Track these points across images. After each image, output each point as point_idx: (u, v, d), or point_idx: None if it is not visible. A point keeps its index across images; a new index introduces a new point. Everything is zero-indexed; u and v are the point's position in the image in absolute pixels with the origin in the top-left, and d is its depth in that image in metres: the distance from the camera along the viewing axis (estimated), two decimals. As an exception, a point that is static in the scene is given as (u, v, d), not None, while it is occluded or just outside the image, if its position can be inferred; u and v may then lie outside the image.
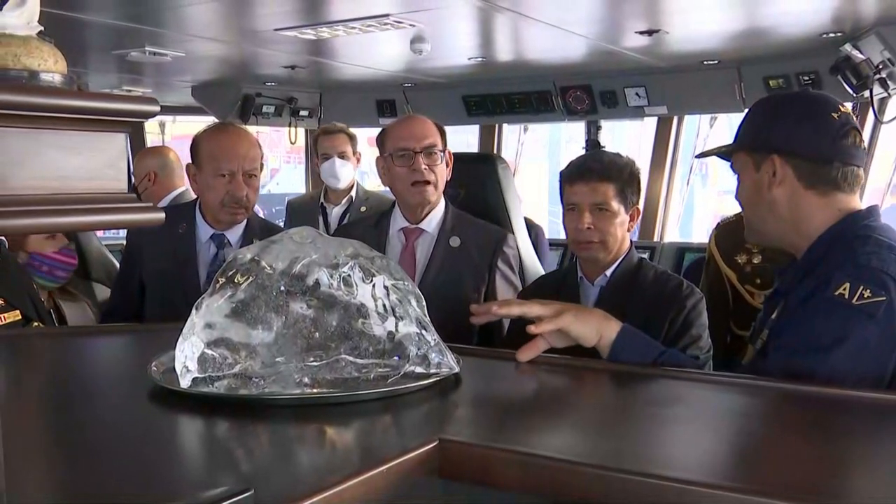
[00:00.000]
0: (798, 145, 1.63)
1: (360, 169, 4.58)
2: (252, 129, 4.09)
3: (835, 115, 1.63)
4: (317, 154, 4.37)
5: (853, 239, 1.57)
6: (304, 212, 4.38)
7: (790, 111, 1.68)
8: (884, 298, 1.46)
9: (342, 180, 4.26)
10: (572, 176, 2.25)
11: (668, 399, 1.45)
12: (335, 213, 4.30)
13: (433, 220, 2.55)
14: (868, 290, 1.46)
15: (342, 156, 4.25)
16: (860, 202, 1.67)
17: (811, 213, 1.63)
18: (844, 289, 1.48)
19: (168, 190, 3.77)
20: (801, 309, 1.55)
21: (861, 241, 1.55)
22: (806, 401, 1.38)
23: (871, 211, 1.64)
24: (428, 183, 2.47)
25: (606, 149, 4.80)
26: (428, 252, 2.52)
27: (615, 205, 2.20)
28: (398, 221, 2.57)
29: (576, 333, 1.63)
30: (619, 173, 2.22)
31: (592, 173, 2.21)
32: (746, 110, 1.78)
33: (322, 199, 4.36)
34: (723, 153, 1.79)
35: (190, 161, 2.69)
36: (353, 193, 4.30)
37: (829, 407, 1.34)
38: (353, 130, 4.48)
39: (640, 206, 2.33)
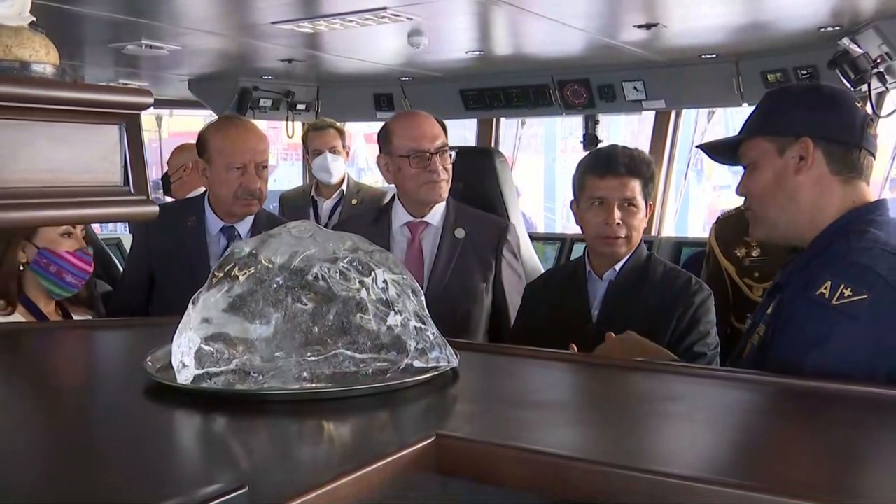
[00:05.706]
0: (830, 129, 1.61)
1: (357, 165, 4.59)
2: (249, 122, 4.09)
3: (858, 105, 1.65)
4: (307, 150, 4.42)
5: (851, 232, 1.54)
6: (295, 205, 4.44)
7: (817, 97, 1.67)
8: (864, 297, 1.43)
9: (334, 175, 4.31)
10: (601, 169, 2.21)
11: (669, 395, 1.43)
12: (326, 206, 4.34)
13: (437, 213, 2.56)
14: (848, 289, 1.43)
15: (333, 151, 4.29)
16: (871, 194, 1.65)
17: (831, 200, 1.61)
18: (826, 288, 1.45)
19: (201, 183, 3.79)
20: (790, 307, 1.53)
21: (857, 236, 1.53)
22: (811, 396, 1.36)
23: (879, 205, 1.61)
24: (442, 180, 2.51)
25: (604, 143, 4.78)
26: (434, 245, 2.53)
27: (640, 200, 2.20)
28: (400, 216, 2.57)
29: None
30: (644, 169, 2.21)
31: (623, 167, 2.19)
32: (762, 98, 1.74)
33: (313, 193, 4.39)
34: (733, 141, 1.72)
35: (198, 157, 2.69)
36: (343, 187, 4.34)
37: (836, 402, 1.32)
38: (347, 125, 4.49)
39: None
